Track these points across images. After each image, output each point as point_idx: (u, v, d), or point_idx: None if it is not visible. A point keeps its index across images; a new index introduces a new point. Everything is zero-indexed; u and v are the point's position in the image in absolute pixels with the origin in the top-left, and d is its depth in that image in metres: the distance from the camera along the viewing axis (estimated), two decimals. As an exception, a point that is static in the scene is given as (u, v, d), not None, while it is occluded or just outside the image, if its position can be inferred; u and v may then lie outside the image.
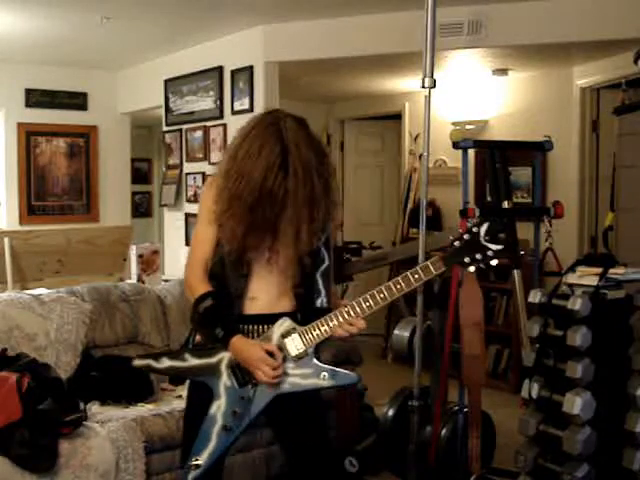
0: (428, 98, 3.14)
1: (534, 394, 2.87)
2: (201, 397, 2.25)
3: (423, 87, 3.14)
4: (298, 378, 2.19)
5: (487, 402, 3.66)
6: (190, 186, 6.15)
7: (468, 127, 6.14)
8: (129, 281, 4.51)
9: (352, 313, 2.15)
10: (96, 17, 5.04)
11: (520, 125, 5.83)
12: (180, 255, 5.57)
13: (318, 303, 2.26)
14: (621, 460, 2.71)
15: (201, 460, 2.19)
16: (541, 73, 5.80)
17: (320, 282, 2.27)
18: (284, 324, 2.21)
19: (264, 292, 2.26)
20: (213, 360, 2.23)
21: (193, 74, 6.02)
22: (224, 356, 2.22)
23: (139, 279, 4.55)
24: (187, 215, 6.19)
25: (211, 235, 2.25)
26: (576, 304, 2.72)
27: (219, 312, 2.22)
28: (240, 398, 2.21)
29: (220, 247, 2.25)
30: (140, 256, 4.59)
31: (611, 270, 2.79)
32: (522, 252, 3.75)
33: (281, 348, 2.18)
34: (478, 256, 2.09)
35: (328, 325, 2.16)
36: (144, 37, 5.76)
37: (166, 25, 5.40)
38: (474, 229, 2.08)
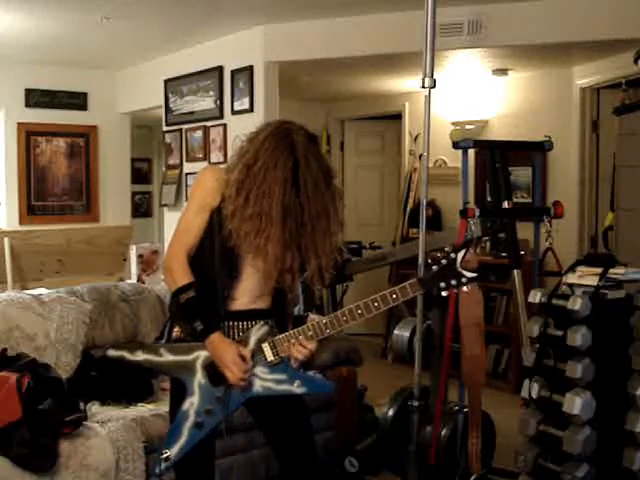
0: (428, 98, 3.14)
1: (534, 394, 2.87)
2: (178, 392, 2.29)
3: (423, 87, 3.14)
4: (272, 383, 2.24)
5: (487, 402, 3.66)
6: (190, 186, 6.14)
7: (468, 127, 6.14)
8: (129, 281, 4.50)
9: (329, 325, 2.18)
10: (96, 17, 5.04)
11: (520, 125, 5.83)
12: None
13: (296, 311, 2.34)
14: (621, 460, 2.71)
15: (171, 453, 2.25)
16: (541, 73, 5.80)
17: (300, 289, 2.33)
18: (262, 329, 2.25)
19: (248, 292, 2.29)
20: (189, 357, 2.26)
21: (193, 74, 6.02)
22: (200, 354, 2.25)
23: (139, 279, 4.54)
24: (187, 215, 6.17)
25: (199, 223, 2.26)
26: (576, 304, 2.72)
27: (200, 305, 2.23)
28: (214, 397, 2.25)
29: (206, 242, 2.26)
30: (140, 256, 4.58)
31: (611, 270, 2.78)
32: (522, 252, 3.75)
33: (257, 352, 2.23)
34: (453, 282, 2.14)
35: (305, 335, 2.20)
36: (144, 37, 5.76)
37: (166, 25, 5.40)
38: (452, 255, 2.13)
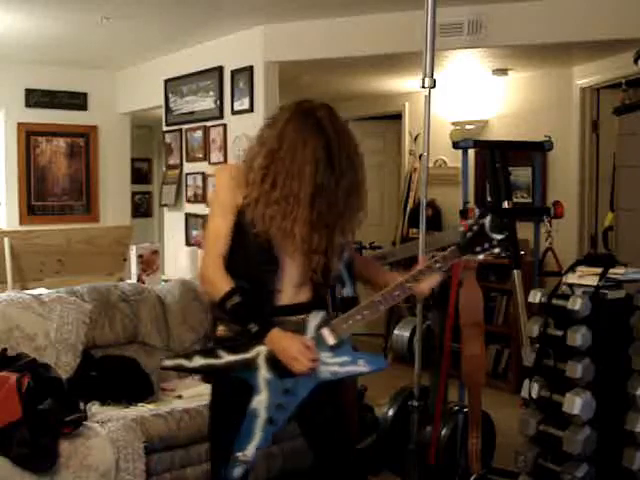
0: (428, 98, 3.14)
1: (534, 394, 2.87)
2: (236, 393, 2.24)
3: (423, 87, 3.14)
4: (337, 366, 2.24)
5: (487, 402, 3.66)
6: (190, 186, 6.15)
7: (468, 127, 6.14)
8: (129, 281, 4.50)
9: (383, 302, 2.21)
10: (96, 17, 5.05)
11: (520, 125, 5.83)
12: (180, 255, 5.57)
13: (345, 293, 2.31)
14: (621, 460, 2.71)
15: (249, 455, 2.21)
16: (541, 73, 5.80)
17: (345, 272, 2.31)
18: (318, 316, 2.24)
19: (289, 284, 2.26)
20: (250, 355, 2.22)
21: (193, 74, 6.03)
22: (261, 350, 2.22)
23: (139, 279, 4.54)
24: (187, 215, 6.19)
25: (227, 226, 2.22)
26: (576, 304, 2.72)
27: (249, 307, 2.21)
28: (283, 391, 2.22)
29: (240, 242, 2.22)
30: (140, 256, 4.59)
31: (611, 270, 2.78)
32: (522, 252, 3.75)
33: (317, 339, 2.22)
34: (486, 245, 2.22)
35: (362, 314, 2.21)
36: (144, 37, 5.76)
37: (166, 25, 5.40)
38: (480, 221, 2.21)
